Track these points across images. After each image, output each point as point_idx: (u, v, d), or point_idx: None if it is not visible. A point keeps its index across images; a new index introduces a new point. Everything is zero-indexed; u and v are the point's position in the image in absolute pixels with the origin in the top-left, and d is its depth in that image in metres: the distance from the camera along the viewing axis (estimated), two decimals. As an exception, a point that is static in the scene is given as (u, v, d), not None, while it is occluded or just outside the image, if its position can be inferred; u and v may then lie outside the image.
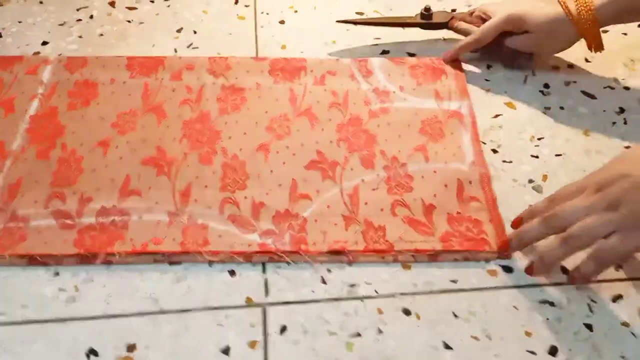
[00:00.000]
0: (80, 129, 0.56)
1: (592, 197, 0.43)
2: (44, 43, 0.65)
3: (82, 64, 0.61)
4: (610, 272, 0.47)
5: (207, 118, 0.57)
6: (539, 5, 0.58)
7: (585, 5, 0.55)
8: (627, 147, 0.55)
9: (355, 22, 0.66)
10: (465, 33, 0.63)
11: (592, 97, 0.60)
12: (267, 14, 0.69)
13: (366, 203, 0.51)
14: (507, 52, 0.61)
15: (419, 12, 0.64)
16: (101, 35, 0.66)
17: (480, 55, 0.63)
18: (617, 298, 0.46)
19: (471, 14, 0.64)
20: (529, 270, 0.46)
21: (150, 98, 0.59)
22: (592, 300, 0.46)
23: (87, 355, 0.42)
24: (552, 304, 0.46)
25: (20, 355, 0.42)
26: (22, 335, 0.43)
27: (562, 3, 0.56)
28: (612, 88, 0.61)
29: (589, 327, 0.44)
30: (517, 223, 0.48)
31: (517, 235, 0.47)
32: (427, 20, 0.64)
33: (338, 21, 0.66)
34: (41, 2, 0.70)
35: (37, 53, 0.64)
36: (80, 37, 0.66)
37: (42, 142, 0.55)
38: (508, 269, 0.48)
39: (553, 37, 0.58)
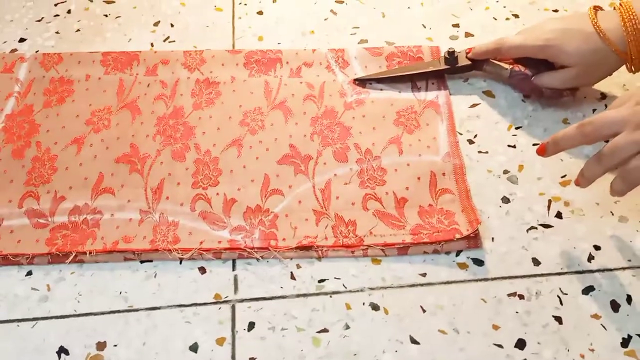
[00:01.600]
0: (55, 127, 0.56)
1: (631, 109, 0.41)
2: (21, 40, 0.65)
3: (57, 60, 0.61)
4: (583, 263, 0.47)
5: (181, 113, 0.57)
6: (572, 31, 0.52)
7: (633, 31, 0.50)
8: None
9: (370, 80, 0.59)
10: (498, 74, 0.58)
11: (573, 83, 0.59)
12: (245, 4, 0.68)
13: (337, 197, 0.51)
14: (547, 92, 0.56)
15: (442, 55, 0.59)
16: (78, 30, 0.66)
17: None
18: (588, 290, 0.45)
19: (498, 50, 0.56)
20: (577, 182, 0.45)
21: (125, 94, 0.59)
22: (563, 292, 0.46)
23: (58, 354, 0.43)
24: (521, 296, 0.45)
25: (-8, 354, 0.43)
26: (-6, 335, 0.44)
27: (598, 29, 0.51)
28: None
29: (558, 319, 0.44)
30: (543, 148, 0.46)
31: (554, 139, 0.45)
32: (452, 64, 0.58)
33: (356, 80, 0.59)
34: (20, -2, 0.70)
35: (14, 50, 0.64)
36: (57, 32, 0.66)
37: (17, 141, 0.55)
38: (478, 262, 0.47)
39: (596, 69, 0.53)
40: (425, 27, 0.65)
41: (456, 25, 0.65)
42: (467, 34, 0.64)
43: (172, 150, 0.54)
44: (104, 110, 0.57)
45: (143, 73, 0.60)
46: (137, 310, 0.45)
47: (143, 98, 0.58)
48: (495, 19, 0.65)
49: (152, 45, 0.64)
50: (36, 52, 0.63)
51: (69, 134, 0.56)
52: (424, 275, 0.47)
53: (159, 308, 0.45)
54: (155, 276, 0.47)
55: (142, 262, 0.48)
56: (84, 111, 0.57)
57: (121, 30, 0.66)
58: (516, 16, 0.65)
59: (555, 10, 0.66)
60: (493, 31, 0.63)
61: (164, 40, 0.65)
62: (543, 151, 0.46)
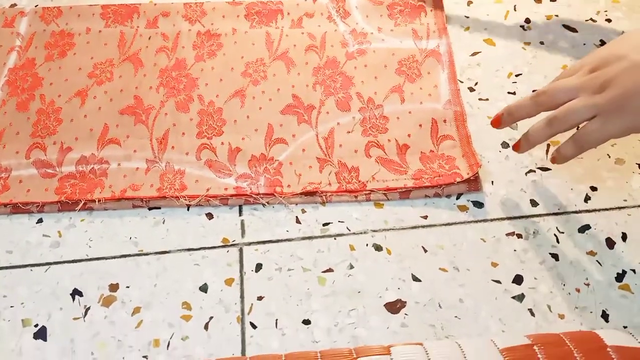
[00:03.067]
0: (57, 80, 0.57)
1: (585, 76, 0.41)
2: (20, -6, 0.64)
3: (57, 14, 0.61)
4: (580, 204, 0.48)
5: (184, 65, 0.57)
6: None
7: None
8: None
9: None
10: None
11: (574, 30, 0.59)
12: (244, -44, 0.68)
13: (341, 145, 0.52)
14: None
15: None
16: (76, -16, 0.65)
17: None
18: (584, 229, 0.47)
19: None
20: (516, 146, 0.45)
21: (126, 47, 0.59)
22: (560, 231, 0.47)
23: (72, 296, 0.45)
24: (519, 235, 0.47)
25: (6, 299, 0.45)
26: (6, 280, 0.45)
27: None
28: (594, 21, 0.60)
29: (554, 256, 0.46)
30: (497, 119, 0.46)
31: (508, 110, 0.45)
32: None
33: None
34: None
35: (14, 5, 0.63)
36: (55, -13, 0.65)
37: (21, 94, 0.56)
38: (479, 204, 0.48)
39: None
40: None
41: (457, -25, 0.64)
42: (468, -17, 0.63)
43: (176, 102, 0.55)
44: (105, 63, 0.58)
45: (144, 26, 0.60)
46: (147, 254, 0.47)
47: (145, 51, 0.58)
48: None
49: (151, -2, 0.64)
50: (35, 6, 0.63)
51: (72, 87, 0.56)
52: (425, 217, 0.48)
53: (168, 252, 0.47)
54: (163, 222, 0.48)
55: (150, 209, 0.49)
56: (86, 64, 0.58)
57: (120, -17, 0.65)
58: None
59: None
60: (494, -20, 0.63)
61: (163, -7, 0.64)
62: (498, 123, 0.46)
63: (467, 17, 0.61)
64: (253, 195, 0.49)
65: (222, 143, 0.52)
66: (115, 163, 0.51)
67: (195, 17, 0.61)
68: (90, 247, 0.47)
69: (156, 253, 0.47)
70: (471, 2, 0.62)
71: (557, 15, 0.61)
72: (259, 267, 0.46)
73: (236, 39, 0.59)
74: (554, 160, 0.44)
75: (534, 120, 0.43)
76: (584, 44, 0.58)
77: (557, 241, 0.46)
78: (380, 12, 0.61)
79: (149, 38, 0.59)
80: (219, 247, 0.47)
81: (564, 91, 0.42)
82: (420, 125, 0.53)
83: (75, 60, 0.58)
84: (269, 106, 0.54)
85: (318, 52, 0.58)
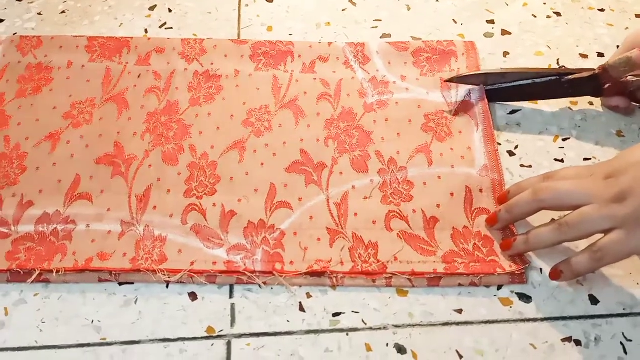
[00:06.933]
0: (27, 119, 0.48)
1: (599, 182, 0.37)
2: (-2, 21, 0.57)
3: (37, 44, 0.53)
4: (650, 305, 0.39)
5: (176, 109, 0.49)
6: None
7: None
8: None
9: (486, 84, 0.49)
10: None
11: (626, 90, 0.52)
12: (253, -10, 0.61)
13: (356, 214, 0.43)
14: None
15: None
16: (63, 12, 0.58)
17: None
18: (657, 337, 0.38)
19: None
20: (504, 245, 0.40)
21: (111, 85, 0.51)
22: (627, 339, 0.38)
23: (10, 397, 0.35)
24: (577, 342, 0.37)
25: None
26: None
27: None
28: (649, 80, 0.52)
29: (623, 373, 0.36)
30: (503, 198, 0.42)
31: (506, 207, 0.41)
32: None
33: (451, 81, 0.50)
34: (0, -25, 0.62)
35: (-11, 32, 0.56)
36: (39, 14, 0.58)
37: (-19, 135, 0.47)
38: (525, 297, 0.39)
39: None
40: (456, 23, 0.57)
41: (491, 22, 0.57)
42: (504, 32, 0.56)
43: (163, 152, 0.46)
44: (86, 103, 0.49)
45: (134, 62, 0.52)
46: (110, 344, 0.37)
47: (132, 90, 0.50)
48: (535, 17, 0.58)
49: (146, 31, 0.56)
50: (14, 34, 0.55)
51: (44, 129, 0.48)
52: (459, 311, 0.39)
53: (138, 342, 0.37)
54: (135, 302, 0.39)
55: (120, 284, 0.40)
56: (62, 103, 0.49)
57: (112, 13, 0.58)
58: (558, 14, 0.58)
59: (602, 10, 0.58)
60: (532, 29, 0.56)
61: (160, 27, 0.57)
62: (493, 221, 0.42)
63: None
64: (247, 273, 0.40)
65: (214, 204, 0.44)
66: (84, 224, 0.42)
67: (193, 55, 0.53)
68: (41, 330, 0.38)
69: (122, 343, 0.37)
70: (508, 54, 0.55)
71: (606, 72, 0.53)
72: (250, 368, 0.36)
73: (238, 82, 0.51)
74: (557, 275, 0.38)
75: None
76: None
77: (625, 351, 0.37)
78: (405, 59, 0.53)
79: (139, 76, 0.51)
80: (201, 338, 0.38)
81: (574, 193, 0.37)
82: (452, 194, 0.44)
83: (50, 97, 0.50)
84: (273, 162, 0.46)
85: (332, 102, 0.50)
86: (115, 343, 0.37)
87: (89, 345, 0.37)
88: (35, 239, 0.41)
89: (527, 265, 0.40)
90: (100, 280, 0.40)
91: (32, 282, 0.40)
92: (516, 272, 0.40)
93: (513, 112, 0.50)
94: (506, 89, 0.49)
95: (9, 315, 0.39)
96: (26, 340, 0.37)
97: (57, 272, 0.39)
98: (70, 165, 0.46)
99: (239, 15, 0.58)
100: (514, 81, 0.49)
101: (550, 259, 0.41)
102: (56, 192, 0.44)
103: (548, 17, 0.58)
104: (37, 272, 0.40)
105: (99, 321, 0.38)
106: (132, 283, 0.40)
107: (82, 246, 0.41)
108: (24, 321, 0.38)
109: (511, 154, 0.47)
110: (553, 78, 0.47)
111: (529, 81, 0.48)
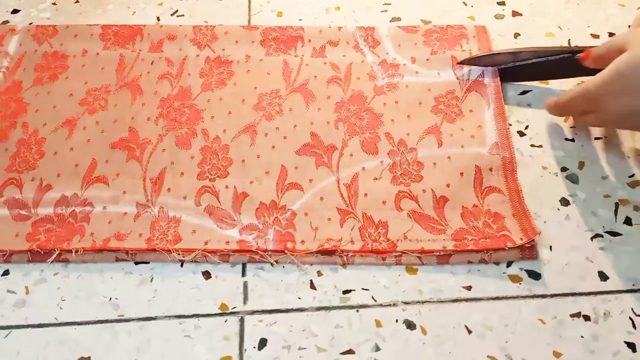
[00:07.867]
0: (45, 106, 0.50)
1: None
2: (15, 11, 0.58)
3: (52, 33, 0.55)
4: (660, 281, 0.39)
5: (188, 95, 0.50)
6: None
7: None
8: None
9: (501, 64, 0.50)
10: None
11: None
12: (263, -23, 0.61)
13: (366, 195, 0.44)
14: None
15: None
16: (77, 2, 0.59)
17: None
18: (668, 313, 0.38)
19: None
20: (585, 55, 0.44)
21: (125, 72, 0.52)
22: (636, 314, 0.38)
23: (33, 371, 0.36)
24: (587, 317, 0.38)
25: (-44, 368, 0.36)
26: (-40, 345, 0.37)
27: None
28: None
29: (631, 346, 0.36)
30: (588, 54, 0.44)
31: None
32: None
33: (463, 63, 0.50)
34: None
35: (6, 22, 0.57)
36: (54, 4, 0.59)
37: (1, 122, 0.49)
38: (534, 275, 0.40)
39: None
40: (466, 5, 0.57)
41: (502, 3, 0.57)
42: (515, 13, 0.56)
43: (176, 136, 0.47)
44: (100, 89, 0.51)
45: (147, 49, 0.53)
46: (128, 320, 0.38)
47: (146, 77, 0.51)
48: (546, -3, 0.57)
49: (158, 19, 0.57)
50: (29, 24, 0.56)
51: (60, 115, 0.49)
52: (468, 288, 0.39)
53: (154, 318, 0.39)
54: (151, 280, 0.40)
55: (136, 263, 0.41)
56: (78, 90, 0.51)
57: (125, 2, 0.59)
58: (570, -6, 0.57)
59: (614, -10, 0.58)
60: (543, 10, 0.56)
61: (172, 15, 0.58)
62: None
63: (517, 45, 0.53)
64: (260, 252, 0.41)
65: (227, 186, 0.44)
66: (101, 206, 0.43)
67: (205, 41, 0.54)
68: (61, 308, 0.39)
69: (139, 319, 0.38)
70: (519, 35, 0.54)
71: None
72: (262, 343, 0.37)
73: (249, 67, 0.52)
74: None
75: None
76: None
77: (634, 326, 0.37)
78: (415, 40, 0.53)
79: (152, 63, 0.52)
80: (215, 315, 0.39)
81: None
82: (462, 174, 0.44)
83: (66, 85, 0.51)
84: (284, 145, 0.47)
85: (342, 85, 0.51)
86: (133, 319, 0.38)
87: (107, 321, 0.38)
88: (55, 220, 0.43)
89: (537, 235, 0.40)
90: (118, 260, 0.41)
91: (52, 261, 0.41)
92: (526, 246, 0.40)
93: (524, 92, 0.50)
94: (518, 68, 0.49)
95: (29, 293, 0.40)
96: (47, 317, 0.39)
97: (76, 252, 0.41)
98: (87, 150, 0.47)
99: (249, 2, 0.59)
100: (527, 60, 0.49)
101: (561, 239, 0.41)
102: (74, 176, 0.45)
103: (559, -3, 0.57)
104: (57, 252, 0.41)
105: (116, 298, 0.39)
106: (148, 262, 0.41)
107: (99, 227, 0.42)
108: (44, 299, 0.39)
109: (521, 134, 0.47)
110: (566, 55, 0.47)
111: (542, 59, 0.48)
